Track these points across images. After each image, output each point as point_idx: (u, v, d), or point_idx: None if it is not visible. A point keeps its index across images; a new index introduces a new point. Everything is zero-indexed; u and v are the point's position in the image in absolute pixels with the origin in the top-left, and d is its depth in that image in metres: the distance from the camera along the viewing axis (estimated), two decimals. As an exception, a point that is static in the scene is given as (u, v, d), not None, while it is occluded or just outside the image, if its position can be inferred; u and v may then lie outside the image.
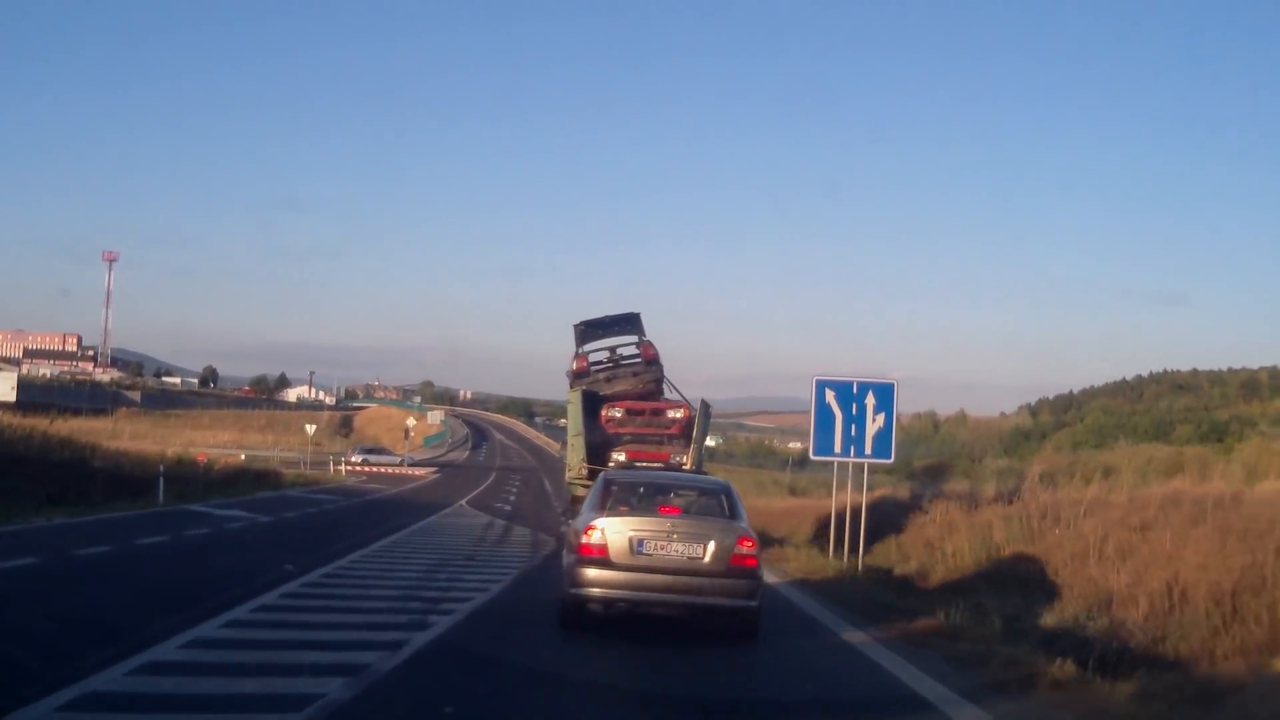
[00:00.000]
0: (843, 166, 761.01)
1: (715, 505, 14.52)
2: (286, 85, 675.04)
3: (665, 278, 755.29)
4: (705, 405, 26.82)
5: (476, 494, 52.54)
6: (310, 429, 72.63)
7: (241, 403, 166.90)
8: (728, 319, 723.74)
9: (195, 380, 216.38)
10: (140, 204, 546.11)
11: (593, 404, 26.27)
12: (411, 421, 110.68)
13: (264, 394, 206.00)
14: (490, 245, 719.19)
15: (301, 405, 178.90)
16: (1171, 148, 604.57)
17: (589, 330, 28.03)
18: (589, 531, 13.20)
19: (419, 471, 74.72)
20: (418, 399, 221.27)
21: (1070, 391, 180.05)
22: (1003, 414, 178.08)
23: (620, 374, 27.61)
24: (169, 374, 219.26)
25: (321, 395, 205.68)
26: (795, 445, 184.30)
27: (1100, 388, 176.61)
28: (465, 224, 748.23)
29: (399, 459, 79.87)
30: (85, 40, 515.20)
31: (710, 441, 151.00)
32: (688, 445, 25.37)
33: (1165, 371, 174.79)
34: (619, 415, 26.13)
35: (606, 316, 28.42)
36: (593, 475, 22.28)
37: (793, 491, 62.55)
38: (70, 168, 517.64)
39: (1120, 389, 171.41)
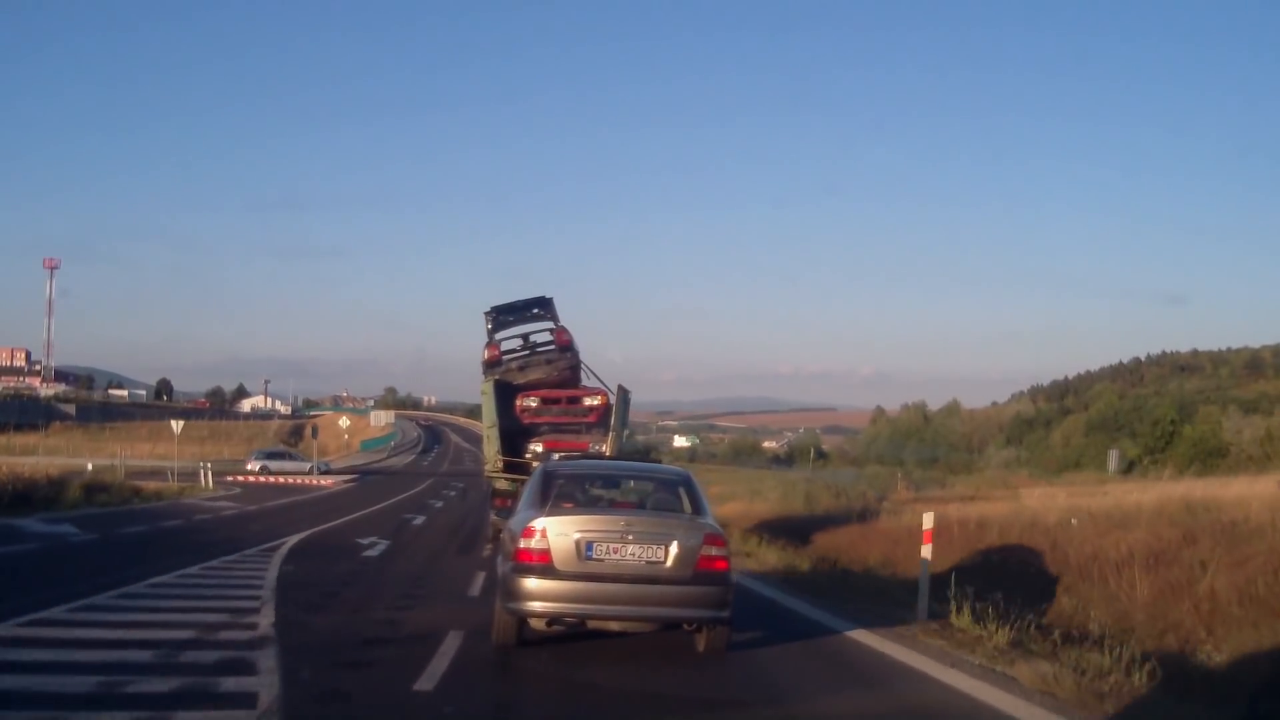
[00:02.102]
0: (823, 166, 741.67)
1: (675, 498, 11.64)
2: (271, 85, 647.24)
3: (634, 282, 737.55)
4: (624, 391, 23.92)
5: (359, 516, 32.65)
6: (177, 426, 52.88)
7: (189, 414, 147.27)
8: (696, 321, 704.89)
9: (143, 393, 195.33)
10: (91, 216, 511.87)
11: (506, 394, 23.51)
12: (344, 422, 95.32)
13: (219, 405, 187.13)
14: (458, 252, 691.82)
15: (255, 415, 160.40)
16: (1161, 151, 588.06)
17: (501, 317, 25.29)
18: (528, 534, 10.27)
19: (326, 481, 57.13)
20: (370, 403, 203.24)
21: (1066, 377, 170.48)
22: (995, 403, 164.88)
23: (534, 362, 24.99)
24: (120, 387, 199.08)
25: (278, 405, 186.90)
26: (769, 444, 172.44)
27: (1097, 372, 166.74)
28: (433, 231, 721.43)
29: (308, 466, 63.00)
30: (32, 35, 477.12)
31: (684, 441, 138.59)
32: (607, 433, 22.79)
33: (1164, 354, 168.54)
34: (534, 405, 23.62)
35: (518, 301, 25.59)
36: (509, 468, 21.72)
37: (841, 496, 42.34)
38: (26, 172, 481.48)
39: (1119, 373, 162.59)
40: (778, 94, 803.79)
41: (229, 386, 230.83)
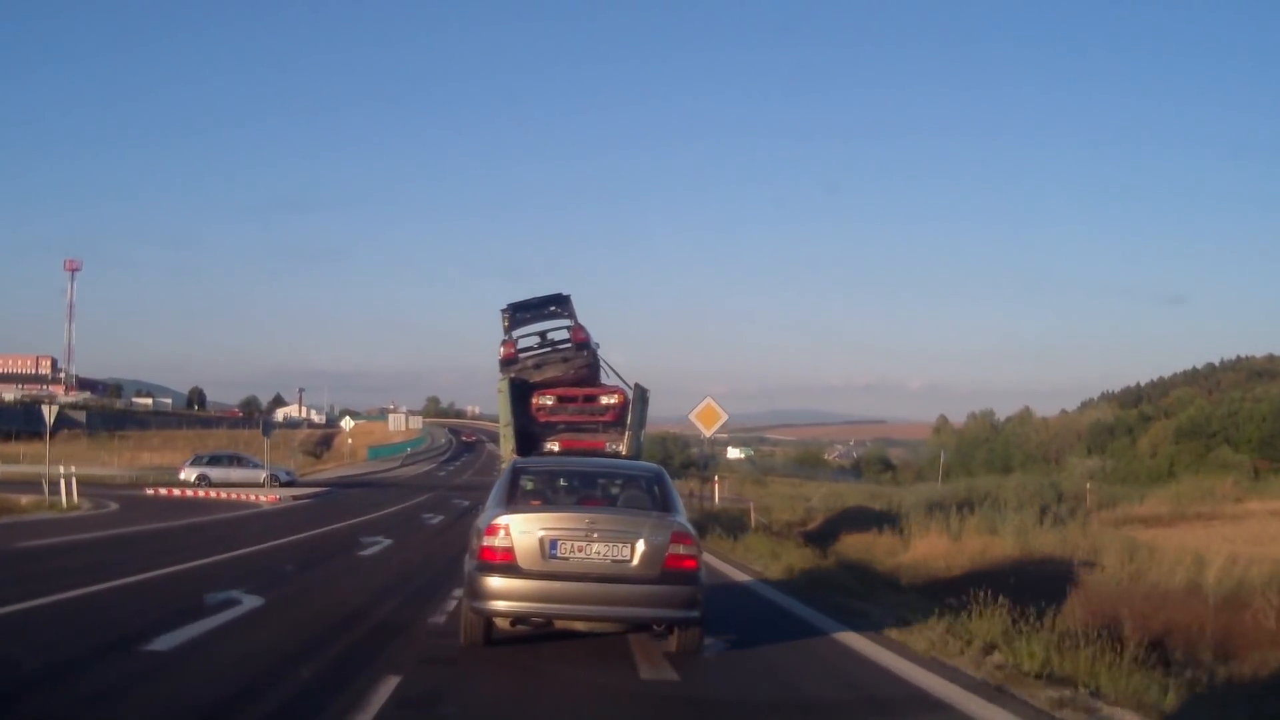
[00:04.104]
0: (844, 168, 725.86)
1: (645, 496, 10.99)
2: (289, 95, 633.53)
3: (682, 293, 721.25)
4: (641, 390, 22.48)
5: (129, 583, 15.04)
6: (49, 413, 38.56)
7: (209, 422, 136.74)
8: (745, 333, 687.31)
9: (168, 402, 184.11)
10: (123, 225, 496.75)
11: (523, 392, 22.22)
12: (347, 424, 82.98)
13: (251, 415, 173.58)
14: (500, 266, 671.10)
15: (286, 425, 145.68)
16: (1169, 145, 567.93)
17: (517, 314, 23.63)
18: (491, 532, 9.81)
19: (267, 496, 40.96)
20: (403, 409, 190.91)
21: (1138, 384, 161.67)
22: (1064, 411, 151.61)
23: (550, 359, 23.37)
24: (148, 395, 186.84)
25: (312, 414, 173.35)
26: (826, 456, 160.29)
27: (1170, 379, 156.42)
28: (474, 247, 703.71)
29: (263, 474, 47.00)
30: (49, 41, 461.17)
31: (740, 454, 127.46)
32: (624, 432, 21.50)
33: (1239, 359, 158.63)
34: (550, 403, 22.30)
35: (534, 298, 23.96)
36: None
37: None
38: (56, 178, 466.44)
39: (1194, 378, 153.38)
40: (813, 109, 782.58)
41: (272, 396, 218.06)
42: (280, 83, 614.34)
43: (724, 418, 29.41)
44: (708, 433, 28.64)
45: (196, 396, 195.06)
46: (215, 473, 46.92)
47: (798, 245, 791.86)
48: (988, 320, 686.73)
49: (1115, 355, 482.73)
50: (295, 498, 41.13)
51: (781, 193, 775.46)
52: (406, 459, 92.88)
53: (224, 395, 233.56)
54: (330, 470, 74.04)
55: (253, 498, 39.93)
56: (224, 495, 40.94)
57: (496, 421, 29.12)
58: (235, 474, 47.09)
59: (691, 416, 29.10)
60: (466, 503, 38.10)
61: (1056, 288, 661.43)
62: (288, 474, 50.42)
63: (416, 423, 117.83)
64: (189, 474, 46.81)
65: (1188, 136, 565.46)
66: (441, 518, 32.62)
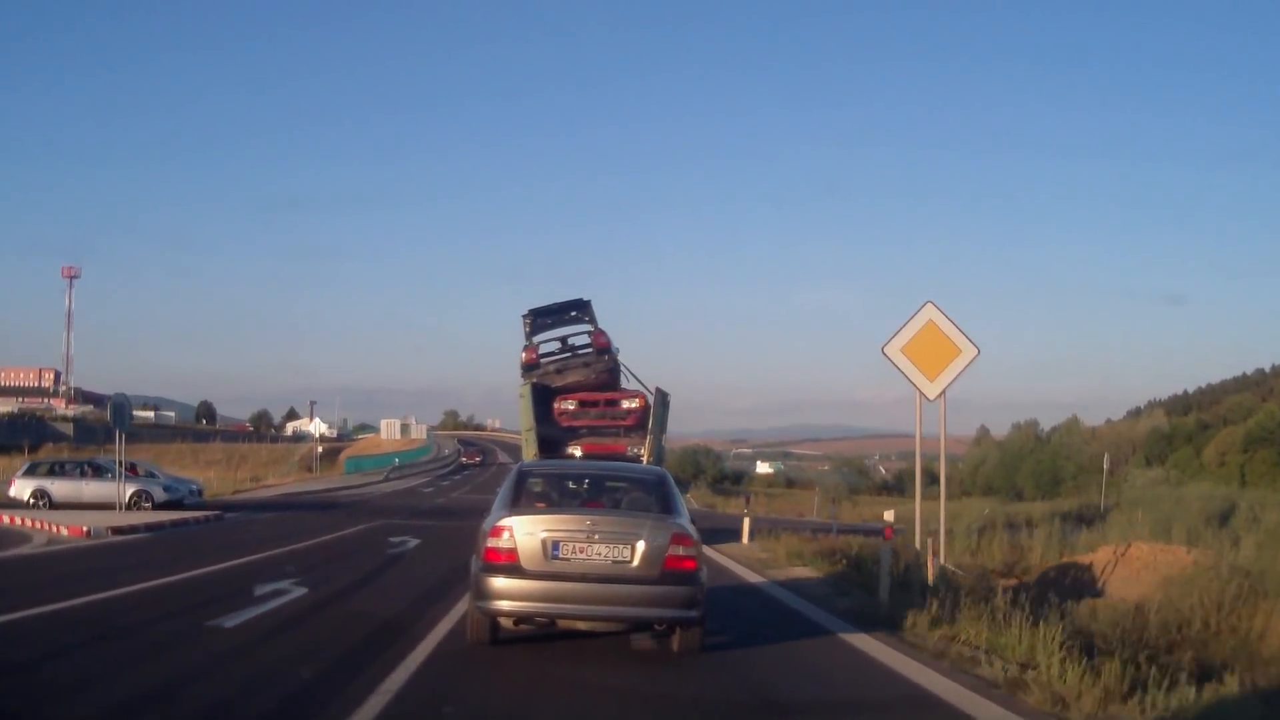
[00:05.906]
0: (857, 175, 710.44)
1: (647, 498, 10.96)
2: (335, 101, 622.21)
3: (703, 309, 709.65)
4: (662, 394, 22.83)
5: None
6: None
7: (206, 436, 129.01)
8: (770, 347, 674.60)
9: (171, 415, 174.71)
10: (144, 236, 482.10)
11: (545, 397, 22.56)
12: (316, 428, 75.20)
13: (261, 430, 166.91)
14: (521, 275, 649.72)
15: (295, 439, 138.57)
16: (1171, 148, 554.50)
17: (539, 319, 23.74)
18: (496, 533, 9.83)
19: (67, 528, 24.64)
20: (410, 418, 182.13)
21: (1185, 391, 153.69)
22: (1109, 420, 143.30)
23: (572, 364, 23.70)
24: (155, 409, 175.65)
25: (323, 428, 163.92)
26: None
27: (1219, 385, 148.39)
28: (491, 253, 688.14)
29: (130, 489, 32.47)
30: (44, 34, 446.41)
31: (768, 468, 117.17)
32: (645, 436, 21.99)
33: None
34: (572, 408, 22.77)
35: (555, 303, 23.98)
36: None
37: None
38: (71, 182, 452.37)
39: (1243, 384, 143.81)
40: (822, 116, 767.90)
41: (287, 412, 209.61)
42: (295, 88, 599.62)
43: (969, 354, 15.28)
44: (933, 389, 15.32)
45: (205, 410, 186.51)
46: (60, 487, 33.34)
47: (813, 255, 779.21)
48: (1004, 329, 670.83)
49: (1125, 362, 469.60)
50: (117, 530, 25.63)
51: (793, 201, 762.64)
52: (393, 471, 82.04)
53: (239, 411, 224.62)
54: (288, 485, 61.71)
55: (53, 529, 25.60)
56: (22, 522, 27.49)
57: (514, 434, 20.35)
58: (90, 489, 33.30)
59: (894, 353, 15.28)
60: (413, 542, 23.91)
61: (1075, 297, 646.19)
62: (170, 488, 34.92)
63: (421, 433, 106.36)
64: (21, 488, 33.15)
65: (1181, 142, 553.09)
66: (288, 597, 13.85)
